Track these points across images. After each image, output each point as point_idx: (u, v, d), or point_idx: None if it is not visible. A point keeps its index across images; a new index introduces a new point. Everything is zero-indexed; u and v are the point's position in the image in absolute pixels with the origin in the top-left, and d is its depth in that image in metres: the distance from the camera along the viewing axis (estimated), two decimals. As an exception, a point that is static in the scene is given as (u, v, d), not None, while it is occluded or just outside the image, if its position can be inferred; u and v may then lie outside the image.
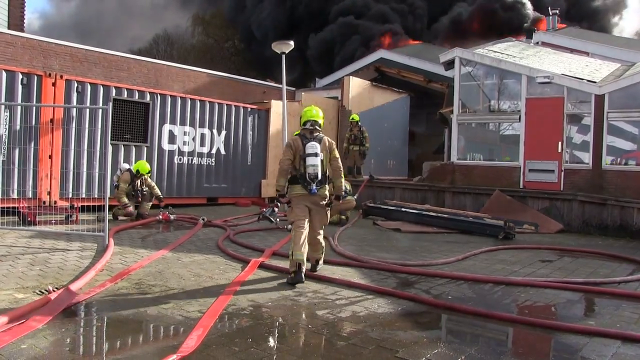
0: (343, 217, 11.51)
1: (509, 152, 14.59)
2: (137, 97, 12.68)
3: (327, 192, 6.51)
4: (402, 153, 20.73)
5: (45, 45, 15.09)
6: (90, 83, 11.87)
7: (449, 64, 15.72)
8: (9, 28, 16.64)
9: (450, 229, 11.44)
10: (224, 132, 14.59)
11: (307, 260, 6.44)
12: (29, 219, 9.41)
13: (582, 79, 13.39)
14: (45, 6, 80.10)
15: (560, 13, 26.21)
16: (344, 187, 7.07)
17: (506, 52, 16.20)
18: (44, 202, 10.77)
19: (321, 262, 6.81)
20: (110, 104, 8.69)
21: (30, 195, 10.45)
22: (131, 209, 10.88)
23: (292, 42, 14.05)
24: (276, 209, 9.57)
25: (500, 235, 10.52)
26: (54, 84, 11.10)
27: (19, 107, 10.53)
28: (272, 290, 5.73)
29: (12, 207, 9.60)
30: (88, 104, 11.60)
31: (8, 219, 8.84)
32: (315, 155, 6.27)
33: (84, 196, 9.59)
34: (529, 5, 31.40)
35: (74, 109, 11.44)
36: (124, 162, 11.92)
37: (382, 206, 13.26)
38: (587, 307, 5.91)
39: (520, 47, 18.42)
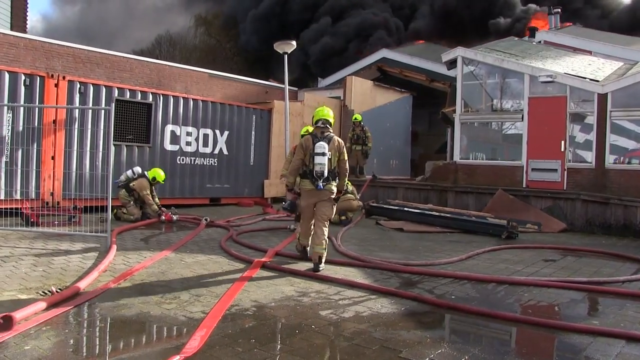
0: (343, 217, 11.50)
1: (512, 152, 14.56)
2: (139, 97, 12.71)
3: (334, 188, 7.01)
4: (405, 153, 20.73)
5: (48, 46, 15.11)
6: (92, 84, 11.91)
7: (452, 63, 15.69)
8: (11, 29, 16.67)
9: (453, 228, 11.42)
10: (226, 133, 14.60)
11: (309, 259, 7.06)
12: (32, 220, 9.42)
13: (585, 78, 13.36)
14: (49, 10, 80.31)
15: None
16: (345, 187, 7.64)
17: (508, 51, 16.17)
18: (47, 203, 10.79)
19: (323, 260, 6.90)
20: (113, 104, 8.73)
21: (33, 196, 10.47)
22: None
23: (294, 42, 14.06)
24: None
25: (503, 235, 10.50)
26: (56, 85, 11.13)
27: (22, 108, 10.55)
28: (275, 290, 5.73)
29: (15, 208, 9.61)
30: (90, 105, 11.63)
31: (11, 220, 8.85)
32: (323, 154, 6.76)
33: (86, 197, 9.59)
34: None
35: (77, 110, 11.46)
36: (132, 165, 11.95)
37: (385, 206, 13.24)
38: (591, 306, 5.89)
39: (523, 46, 18.39)
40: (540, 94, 13.76)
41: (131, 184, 10.95)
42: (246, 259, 7.20)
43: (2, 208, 9.36)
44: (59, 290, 5.15)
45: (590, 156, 13.03)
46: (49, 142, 10.96)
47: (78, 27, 47.09)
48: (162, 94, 13.33)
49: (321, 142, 6.82)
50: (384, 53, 23.98)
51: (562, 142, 13.20)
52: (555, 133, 13.30)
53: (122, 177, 11.13)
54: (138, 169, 11.35)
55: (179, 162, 13.51)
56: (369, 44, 30.61)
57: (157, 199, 11.34)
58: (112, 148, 8.15)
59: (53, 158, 11.02)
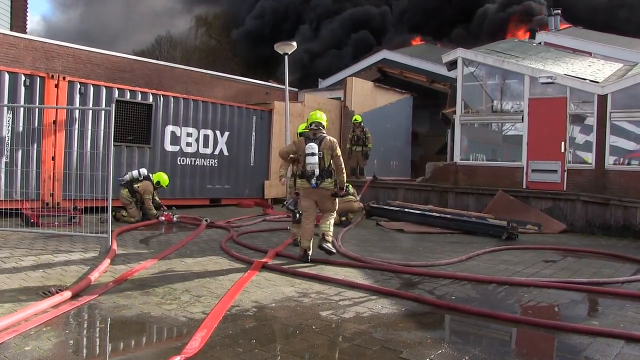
0: (344, 218, 11.50)
1: (512, 153, 14.57)
2: (139, 98, 12.71)
3: (331, 185, 7.45)
4: (405, 153, 20.73)
5: (48, 47, 15.11)
6: (92, 84, 11.91)
7: (452, 65, 15.70)
8: (11, 30, 16.67)
9: (453, 229, 11.43)
10: (226, 133, 14.60)
11: (308, 261, 7.36)
12: (32, 220, 9.43)
13: (585, 79, 13.37)
14: (49, 13, 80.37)
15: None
16: (345, 182, 7.89)
17: (509, 52, 16.19)
18: (47, 204, 10.80)
19: (328, 239, 7.51)
20: (113, 105, 8.72)
21: (33, 197, 10.47)
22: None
23: (294, 43, 14.07)
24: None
25: (504, 236, 10.51)
26: (56, 86, 11.13)
27: (22, 109, 10.56)
28: (276, 291, 5.73)
29: (15, 208, 9.61)
30: (91, 106, 11.63)
31: (11, 220, 8.86)
32: (313, 154, 7.24)
33: (87, 198, 9.60)
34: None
35: (77, 111, 11.46)
36: (132, 166, 11.97)
37: (385, 207, 13.25)
38: (591, 307, 5.89)
39: (523, 47, 18.41)
40: (540, 95, 13.76)
41: (135, 185, 10.98)
42: (247, 260, 7.20)
43: (2, 209, 9.37)
44: (58, 291, 5.15)
45: (590, 157, 13.03)
46: (49, 143, 10.96)
47: (79, 30, 47.15)
48: (163, 95, 13.33)
49: (311, 143, 7.31)
50: (384, 54, 24.01)
51: (562, 143, 13.20)
52: (555, 134, 13.31)
53: (127, 177, 11.17)
54: (144, 171, 11.37)
55: (179, 163, 13.51)
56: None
57: (157, 198, 11.39)
58: (113, 149, 8.13)
59: (53, 159, 11.03)
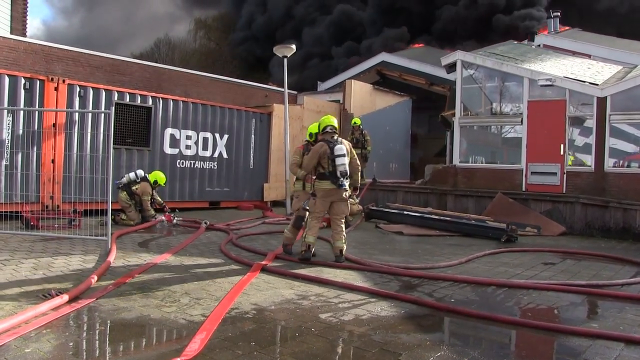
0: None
1: (511, 155, 14.58)
2: (139, 101, 12.72)
3: (348, 187, 7.65)
4: (405, 156, 20.75)
5: (48, 50, 15.13)
6: (92, 87, 11.92)
7: (451, 67, 15.74)
8: (11, 33, 16.68)
9: (452, 231, 11.44)
10: (226, 136, 14.61)
11: (308, 261, 7.47)
12: (32, 223, 9.43)
13: (584, 82, 13.40)
14: (48, 19, 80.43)
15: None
16: (359, 182, 8.12)
17: (508, 54, 16.22)
18: (47, 207, 10.80)
19: (344, 252, 7.56)
20: (113, 108, 8.71)
21: (33, 200, 10.47)
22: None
23: (293, 46, 14.09)
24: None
25: (503, 238, 10.52)
26: (56, 89, 11.15)
27: (22, 112, 10.57)
28: (275, 293, 5.73)
29: (15, 211, 9.61)
30: (90, 109, 11.64)
31: (11, 223, 8.86)
32: (344, 155, 7.41)
33: (86, 201, 9.62)
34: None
35: (77, 114, 11.47)
36: (131, 168, 11.97)
37: (385, 209, 13.27)
38: (590, 309, 5.90)
39: (522, 49, 18.45)
40: (539, 97, 13.79)
41: (133, 188, 10.98)
42: (246, 262, 7.20)
43: (2, 211, 9.36)
44: (58, 294, 5.15)
45: (589, 159, 13.05)
46: (49, 146, 10.97)
47: (78, 36, 47.25)
48: (162, 98, 13.35)
49: (339, 145, 7.47)
50: (383, 57, 24.04)
51: (562, 146, 13.22)
52: (554, 136, 13.33)
53: (124, 179, 11.14)
54: (140, 172, 11.36)
55: (178, 166, 13.51)
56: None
57: (159, 198, 11.40)
58: (112, 151, 8.14)
59: (53, 161, 11.03)
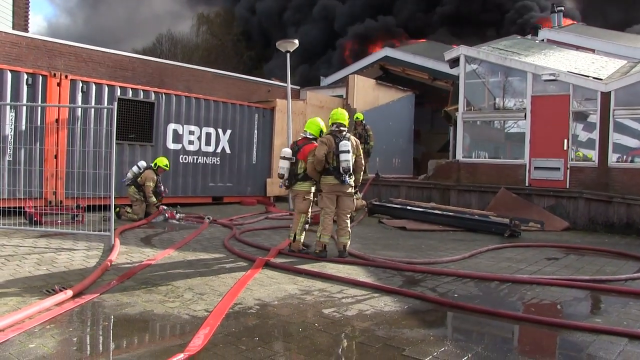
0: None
1: (514, 150, 14.55)
2: (142, 96, 12.71)
3: (352, 183, 7.64)
4: (408, 151, 20.71)
5: (50, 46, 15.13)
6: (95, 83, 11.92)
7: (454, 62, 15.66)
8: (13, 28, 16.69)
9: (455, 227, 11.42)
10: (229, 131, 14.60)
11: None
12: (35, 219, 9.45)
13: (588, 76, 13.34)
14: (51, 17, 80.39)
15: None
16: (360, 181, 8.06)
17: (511, 49, 16.15)
18: (50, 202, 10.82)
19: (347, 248, 7.63)
20: (115, 103, 8.69)
21: (37, 195, 10.49)
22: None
23: (296, 41, 14.05)
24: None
25: (506, 233, 10.51)
26: (59, 84, 11.15)
27: (25, 108, 10.58)
28: (279, 289, 5.73)
29: (18, 207, 9.64)
30: (93, 104, 11.64)
31: (14, 219, 8.88)
32: (348, 152, 7.39)
33: (89, 196, 9.63)
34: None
35: (79, 109, 11.48)
36: (130, 164, 11.99)
37: (388, 204, 13.24)
38: (594, 304, 5.89)
39: (526, 44, 18.36)
40: (543, 92, 13.73)
41: (139, 179, 11.03)
42: (249, 258, 7.21)
43: (5, 207, 9.38)
44: (62, 289, 5.16)
45: (593, 154, 13.00)
46: (52, 141, 10.98)
47: (81, 34, 47.24)
48: (165, 93, 13.33)
49: (345, 141, 7.44)
50: (386, 52, 23.95)
51: (565, 141, 13.18)
52: (558, 131, 13.28)
53: (129, 175, 11.24)
54: (143, 163, 11.44)
55: (181, 161, 13.51)
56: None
57: (162, 186, 11.43)
58: (115, 147, 8.14)
59: (56, 157, 11.04)
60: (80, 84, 11.57)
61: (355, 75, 19.42)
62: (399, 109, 19.99)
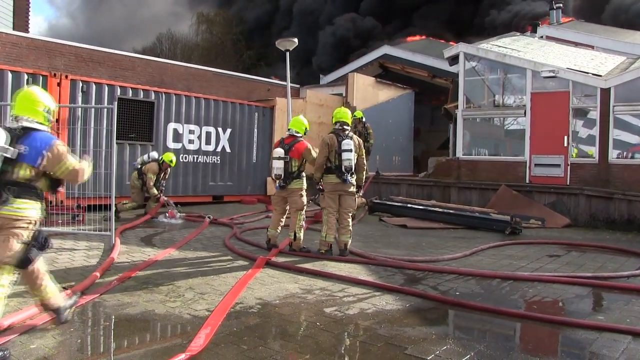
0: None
1: (515, 147, 14.53)
2: (142, 96, 12.70)
3: (354, 182, 7.65)
4: (408, 149, 20.70)
5: (50, 46, 15.11)
6: (95, 82, 11.91)
7: (454, 59, 15.66)
8: (13, 29, 16.67)
9: (456, 224, 11.42)
10: (229, 130, 14.59)
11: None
12: (36, 219, 9.41)
13: (588, 73, 13.33)
14: (51, 19, 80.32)
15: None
16: (363, 180, 8.14)
17: (510, 46, 16.13)
18: (51, 202, 10.78)
19: (349, 246, 7.60)
20: (115, 103, 8.68)
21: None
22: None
23: (296, 40, 14.01)
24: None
25: (507, 231, 10.50)
26: (59, 84, 11.13)
27: (25, 108, 10.53)
28: (280, 288, 5.73)
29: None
30: (93, 104, 11.62)
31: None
32: (350, 151, 7.41)
33: (90, 196, 9.62)
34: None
35: (80, 109, 11.46)
36: (130, 164, 12.02)
37: (388, 202, 13.25)
38: (596, 302, 5.88)
39: (525, 41, 18.34)
40: (542, 89, 13.73)
41: (143, 168, 11.07)
42: (250, 257, 7.20)
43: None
44: (63, 289, 5.14)
45: (593, 151, 12.99)
46: (52, 141, 10.95)
47: (82, 36, 47.21)
48: (165, 92, 13.32)
49: (347, 140, 7.46)
50: (386, 49, 23.92)
51: (565, 137, 13.17)
52: (558, 128, 13.27)
53: (139, 160, 11.45)
54: (154, 154, 11.52)
55: (181, 160, 13.49)
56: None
57: (163, 182, 11.52)
58: (115, 147, 8.13)
59: (56, 157, 11.00)
60: (81, 84, 11.55)
61: (355, 73, 19.40)
62: (399, 107, 19.97)
